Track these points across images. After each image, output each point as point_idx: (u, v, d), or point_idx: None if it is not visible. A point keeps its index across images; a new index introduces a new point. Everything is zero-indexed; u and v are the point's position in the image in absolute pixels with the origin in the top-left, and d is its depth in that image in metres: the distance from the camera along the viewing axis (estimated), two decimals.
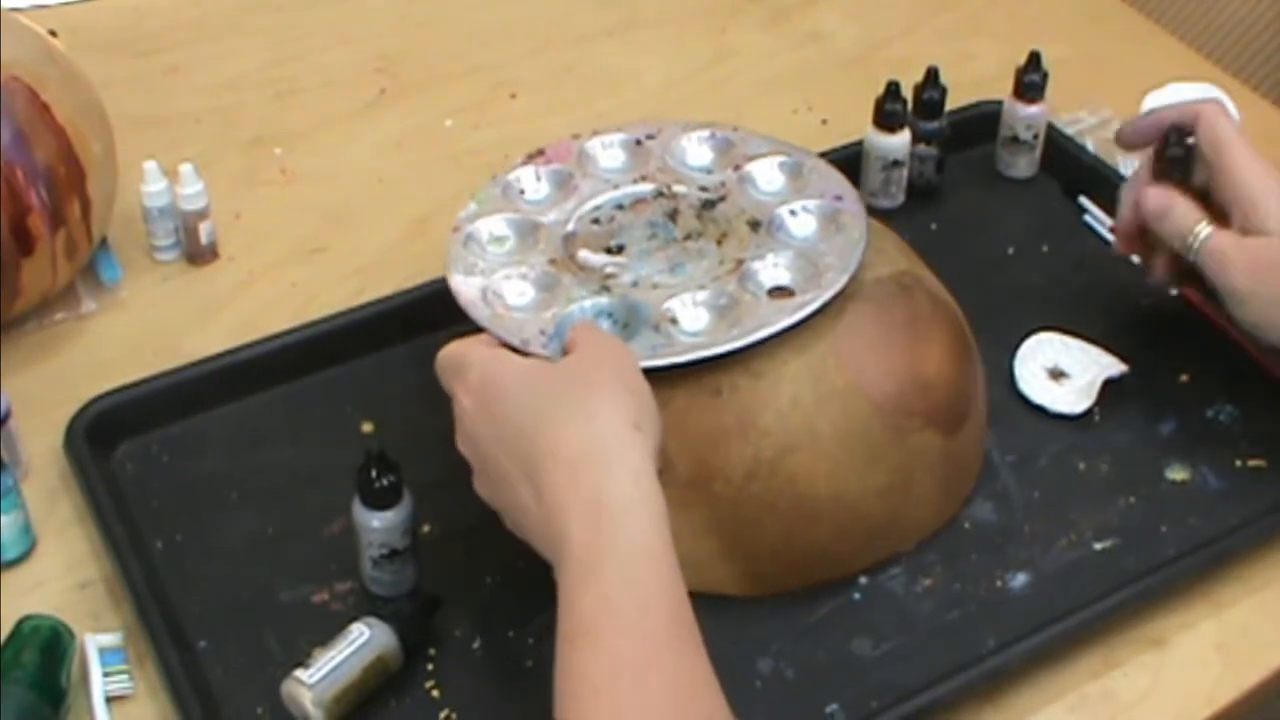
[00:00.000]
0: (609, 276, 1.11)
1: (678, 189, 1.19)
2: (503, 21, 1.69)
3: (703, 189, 1.19)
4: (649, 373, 1.00)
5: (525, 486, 0.94)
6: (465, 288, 1.10)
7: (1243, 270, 1.16)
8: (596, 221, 1.17)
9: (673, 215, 1.17)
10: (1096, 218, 1.41)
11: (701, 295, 1.09)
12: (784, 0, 1.74)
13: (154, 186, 1.34)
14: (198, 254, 1.36)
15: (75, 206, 1.23)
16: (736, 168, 1.20)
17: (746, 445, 1.05)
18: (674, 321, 1.07)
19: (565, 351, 1.00)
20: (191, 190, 1.33)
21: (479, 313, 1.08)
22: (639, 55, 1.65)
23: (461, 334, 1.04)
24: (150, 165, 1.34)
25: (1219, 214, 1.19)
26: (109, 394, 1.19)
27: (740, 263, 1.12)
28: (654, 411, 0.96)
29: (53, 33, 1.29)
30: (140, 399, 1.19)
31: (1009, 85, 1.44)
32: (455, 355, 1.01)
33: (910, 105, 1.38)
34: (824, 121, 1.51)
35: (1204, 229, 1.18)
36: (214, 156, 1.45)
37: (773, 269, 1.11)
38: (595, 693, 0.85)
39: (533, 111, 1.56)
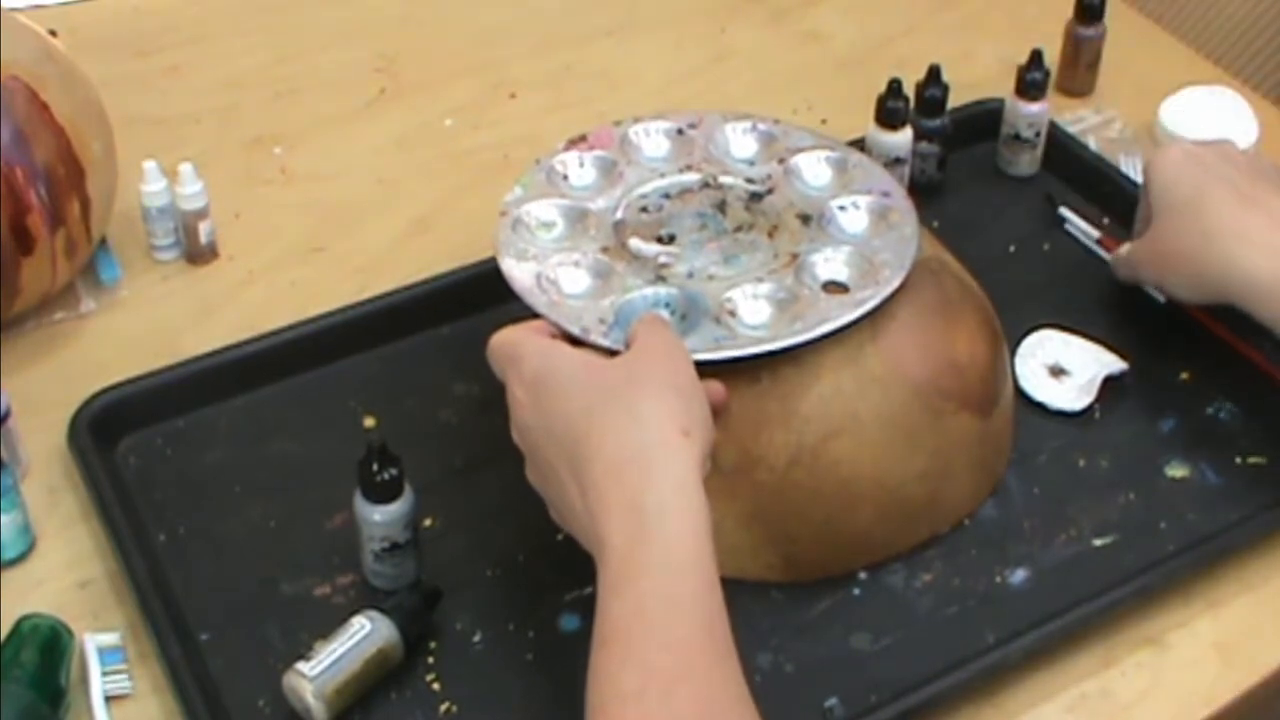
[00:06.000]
0: (663, 266, 1.11)
1: (724, 180, 1.20)
2: (503, 21, 1.69)
3: (749, 181, 1.19)
4: (708, 365, 1.01)
5: (571, 483, 0.94)
6: (518, 273, 1.10)
7: (1149, 267, 1.26)
8: (645, 210, 1.17)
9: (721, 206, 1.17)
10: (1079, 229, 1.40)
11: (761, 288, 1.10)
12: (784, 0, 1.74)
13: (154, 186, 1.34)
14: (197, 253, 1.36)
15: (75, 206, 1.23)
16: (781, 161, 1.21)
17: (789, 432, 1.06)
18: (733, 314, 1.08)
19: (628, 342, 1.00)
20: (191, 190, 1.33)
21: (536, 299, 1.07)
22: (639, 55, 1.65)
23: (514, 319, 1.04)
24: (150, 165, 1.34)
25: None
26: (113, 388, 1.19)
27: (795, 256, 1.12)
28: (705, 415, 0.96)
29: (53, 32, 1.29)
30: (144, 393, 1.20)
31: (1009, 85, 1.45)
32: (510, 344, 1.01)
33: (912, 103, 1.38)
34: (823, 121, 1.51)
35: (1123, 249, 1.29)
36: (214, 156, 1.45)
37: (829, 264, 1.12)
38: (623, 702, 0.85)
39: (533, 111, 1.56)
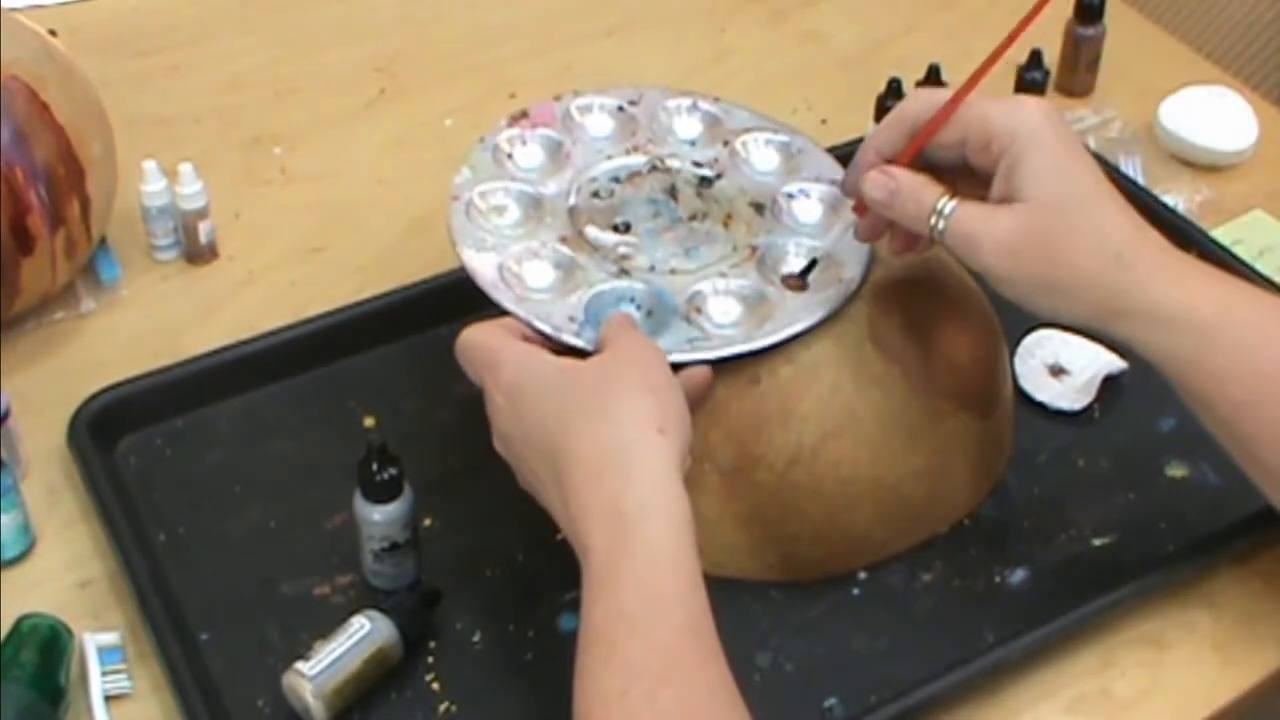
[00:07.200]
0: (624, 258, 1.11)
1: (671, 163, 1.19)
2: (503, 21, 1.69)
3: (697, 164, 1.19)
4: (682, 365, 1.01)
5: (554, 488, 0.94)
6: (480, 265, 1.10)
7: (996, 251, 0.99)
8: (596, 195, 1.17)
9: (672, 192, 1.17)
10: None
11: (726, 284, 1.10)
12: (784, 0, 1.74)
13: (153, 186, 1.34)
14: (197, 253, 1.36)
15: (75, 206, 1.23)
16: (726, 143, 1.21)
17: (788, 432, 1.06)
18: (700, 310, 1.08)
19: (599, 345, 1.01)
20: (191, 190, 1.33)
21: (502, 295, 1.07)
22: (639, 55, 1.65)
23: (480, 317, 1.04)
24: (150, 165, 1.34)
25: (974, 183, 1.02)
26: (113, 388, 1.19)
27: (754, 249, 1.12)
28: (681, 412, 0.96)
29: (52, 32, 1.29)
30: (144, 393, 1.20)
31: (1008, 85, 1.45)
32: (486, 349, 1.01)
33: None
34: (823, 121, 1.51)
35: (947, 204, 1.00)
36: (214, 156, 1.45)
37: (789, 259, 1.12)
38: (607, 704, 0.85)
39: None
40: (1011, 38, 1.01)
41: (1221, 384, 0.99)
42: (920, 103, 1.03)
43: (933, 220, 1.01)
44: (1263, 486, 1.03)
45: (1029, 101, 1.01)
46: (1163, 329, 0.99)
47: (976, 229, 0.99)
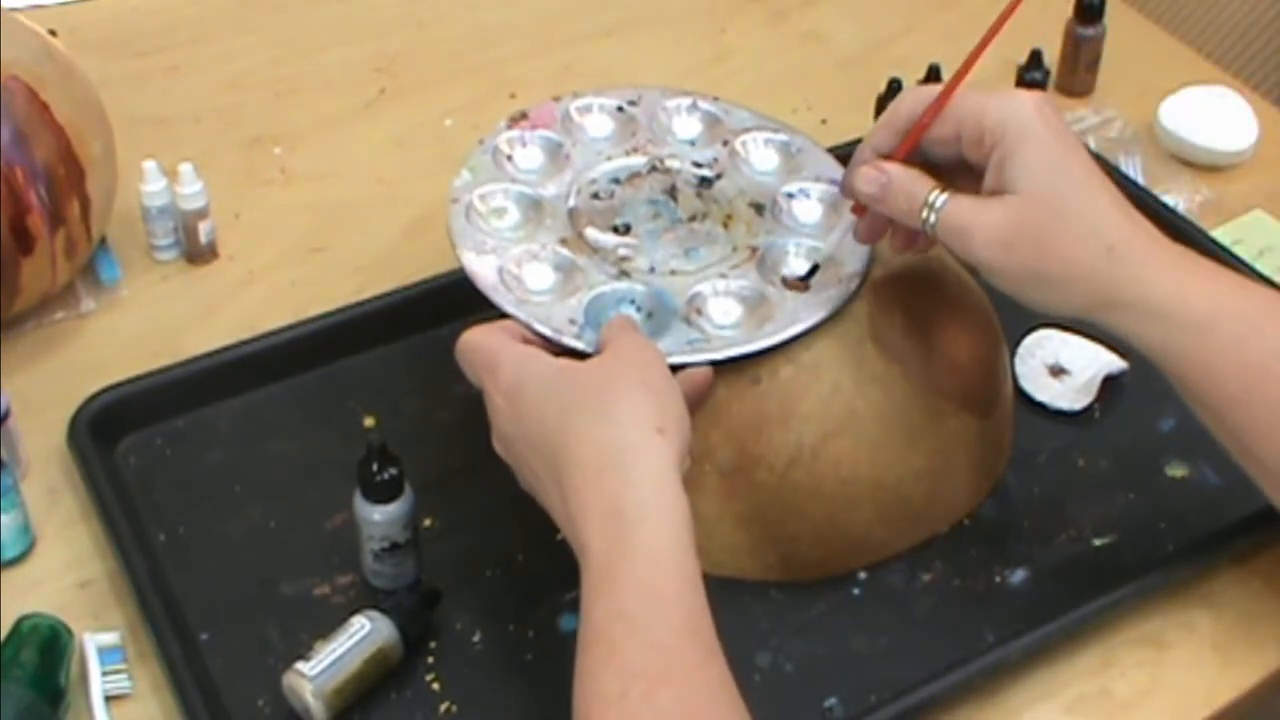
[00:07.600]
0: (624, 259, 1.11)
1: (671, 164, 1.19)
2: (503, 21, 1.69)
3: (696, 165, 1.19)
4: (683, 367, 1.02)
5: (554, 489, 0.94)
6: (480, 268, 1.10)
7: (988, 243, 0.99)
8: (596, 196, 1.17)
9: (672, 192, 1.17)
10: None
11: (726, 285, 1.10)
12: (784, 0, 1.74)
13: (153, 186, 1.33)
14: (197, 253, 1.36)
15: (75, 206, 1.23)
16: (726, 143, 1.21)
17: (789, 432, 1.06)
18: (700, 311, 1.08)
19: (600, 347, 1.00)
20: (191, 190, 1.33)
21: (502, 298, 1.07)
22: (639, 55, 1.65)
23: (480, 319, 1.04)
24: (150, 165, 1.34)
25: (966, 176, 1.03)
26: (113, 388, 1.19)
27: (754, 250, 1.12)
28: (681, 412, 0.96)
29: (52, 32, 1.29)
30: (144, 393, 1.20)
31: (1008, 85, 1.45)
32: (486, 351, 1.01)
33: None
34: (823, 121, 1.51)
35: (938, 197, 1.01)
36: (214, 156, 1.45)
37: (789, 259, 1.12)
38: (606, 705, 0.85)
39: None
40: (993, 31, 1.01)
41: (1213, 377, 0.99)
42: (913, 100, 1.03)
43: (924, 213, 1.01)
44: (1258, 480, 1.03)
45: (1021, 94, 1.01)
46: (1155, 321, 0.99)
47: (968, 221, 1.00)
